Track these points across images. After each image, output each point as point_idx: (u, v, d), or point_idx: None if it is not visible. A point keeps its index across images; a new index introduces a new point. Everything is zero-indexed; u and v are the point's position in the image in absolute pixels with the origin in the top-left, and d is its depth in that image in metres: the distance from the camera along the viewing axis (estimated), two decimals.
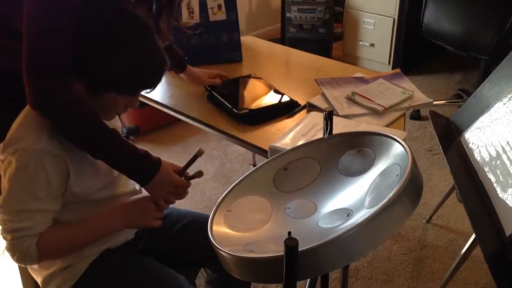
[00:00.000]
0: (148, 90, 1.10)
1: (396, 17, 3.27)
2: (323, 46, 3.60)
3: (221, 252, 0.79)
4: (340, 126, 1.38)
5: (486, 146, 1.36)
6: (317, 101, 1.60)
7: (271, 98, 1.62)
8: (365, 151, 0.98)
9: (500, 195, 1.20)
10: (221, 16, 1.92)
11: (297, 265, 0.69)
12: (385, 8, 3.30)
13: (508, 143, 1.28)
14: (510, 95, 1.39)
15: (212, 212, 0.93)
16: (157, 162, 1.12)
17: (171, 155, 2.68)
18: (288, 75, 1.91)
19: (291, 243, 0.67)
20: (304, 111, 1.58)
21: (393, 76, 1.75)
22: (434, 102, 2.85)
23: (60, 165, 1.02)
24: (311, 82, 1.74)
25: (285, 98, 1.61)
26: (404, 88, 1.65)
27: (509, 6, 2.38)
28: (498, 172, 1.25)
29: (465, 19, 2.57)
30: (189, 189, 1.19)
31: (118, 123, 1.30)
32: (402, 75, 1.77)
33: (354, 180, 0.95)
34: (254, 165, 2.60)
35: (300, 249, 0.68)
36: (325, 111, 1.01)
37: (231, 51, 1.98)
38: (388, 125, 1.48)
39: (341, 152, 1.01)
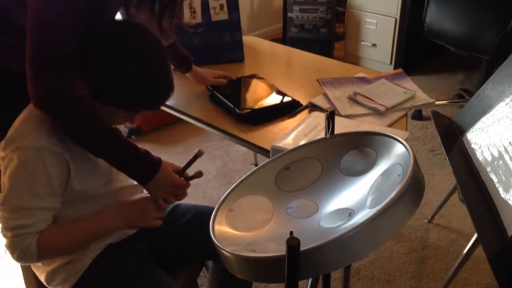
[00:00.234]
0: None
1: (398, 17, 3.26)
2: (324, 46, 3.60)
3: (223, 251, 0.79)
4: (342, 126, 1.38)
5: (488, 146, 1.36)
6: (319, 101, 1.60)
7: (273, 98, 1.62)
8: (367, 151, 0.98)
9: (503, 195, 1.19)
10: (223, 16, 1.92)
11: (299, 265, 0.69)
12: (387, 8, 3.30)
13: (510, 143, 1.28)
14: None
15: (214, 211, 0.93)
16: (157, 161, 1.12)
17: (173, 155, 2.68)
18: (289, 75, 1.91)
19: (293, 243, 0.67)
20: (306, 111, 1.58)
21: (395, 76, 1.75)
22: (436, 102, 2.83)
23: (61, 163, 1.03)
24: (312, 82, 1.74)
25: (287, 98, 1.61)
26: (406, 88, 1.65)
27: (511, 6, 2.38)
28: (500, 172, 1.25)
29: (467, 19, 2.56)
30: (191, 189, 1.20)
31: None
32: (404, 75, 1.77)
33: (356, 180, 0.95)
34: (256, 165, 2.60)
35: (302, 248, 0.68)
36: (327, 111, 1.01)
37: (233, 51, 1.98)
38: (390, 125, 1.48)
39: (343, 152, 1.01)
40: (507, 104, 1.38)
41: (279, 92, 1.65)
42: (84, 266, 1.13)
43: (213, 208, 0.93)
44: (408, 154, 0.84)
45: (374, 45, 3.48)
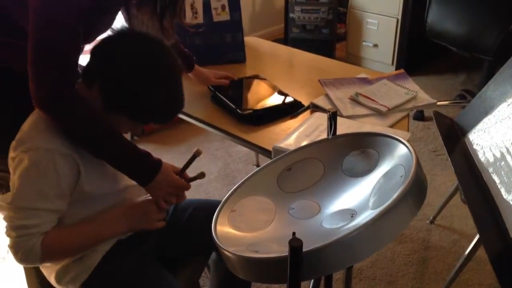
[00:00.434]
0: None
1: (399, 18, 3.26)
2: (326, 46, 3.60)
3: (225, 252, 0.79)
4: (344, 126, 1.38)
5: (490, 147, 1.36)
6: (321, 101, 1.60)
7: (275, 99, 1.62)
8: (369, 152, 0.98)
9: (505, 196, 1.19)
10: (224, 16, 1.92)
11: (302, 266, 0.69)
12: (388, 8, 3.30)
13: None
14: None
15: (216, 212, 0.93)
16: (158, 162, 1.12)
17: (175, 155, 2.68)
18: (291, 75, 1.91)
19: (295, 244, 0.68)
20: (307, 112, 1.58)
21: (396, 77, 1.75)
22: (438, 103, 2.83)
23: (71, 165, 1.03)
24: (314, 82, 1.74)
25: (289, 99, 1.61)
26: (407, 88, 1.65)
27: None
28: (503, 173, 1.25)
29: (469, 20, 2.56)
30: (192, 189, 1.20)
31: None
32: (405, 75, 1.77)
33: (358, 181, 0.95)
34: (258, 166, 2.60)
35: (304, 249, 0.68)
36: (329, 111, 1.01)
37: (235, 52, 1.98)
38: (392, 126, 1.48)
39: (345, 153, 1.01)
40: (509, 105, 1.38)
41: (281, 93, 1.65)
42: (93, 264, 1.13)
43: (211, 201, 0.93)
44: (410, 155, 0.84)
45: (375, 45, 3.48)
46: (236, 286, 1.37)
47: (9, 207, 1.01)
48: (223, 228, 0.90)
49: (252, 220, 0.94)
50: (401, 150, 0.90)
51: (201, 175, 1.20)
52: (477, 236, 1.55)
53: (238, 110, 1.54)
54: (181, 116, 1.66)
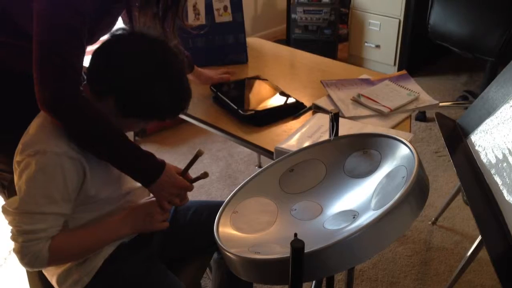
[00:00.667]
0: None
1: (401, 19, 3.26)
2: (328, 47, 3.60)
3: (227, 253, 0.79)
4: (346, 127, 1.38)
5: (492, 149, 1.36)
6: (323, 102, 1.60)
7: (277, 100, 1.62)
8: (371, 153, 0.98)
9: (507, 198, 1.19)
10: (227, 17, 1.92)
11: (304, 267, 0.69)
12: (390, 9, 3.29)
13: None
14: None
15: (218, 213, 0.93)
16: (161, 163, 1.12)
17: (177, 156, 2.68)
18: (293, 76, 1.91)
19: (297, 245, 0.68)
20: (309, 113, 1.58)
21: (399, 78, 1.75)
22: (440, 104, 2.84)
23: (77, 169, 1.03)
24: (316, 83, 1.74)
25: (291, 100, 1.61)
26: (410, 89, 1.65)
27: None
28: (505, 174, 1.25)
29: (471, 21, 2.56)
30: (194, 190, 1.20)
31: None
32: (408, 76, 1.77)
33: (360, 182, 0.95)
34: (260, 167, 2.60)
35: (306, 251, 0.68)
36: (331, 112, 1.01)
37: (237, 53, 1.98)
38: (394, 127, 1.48)
39: (347, 154, 1.01)
40: (511, 106, 1.38)
41: (283, 94, 1.65)
42: (96, 267, 1.13)
43: (213, 202, 0.93)
44: (412, 156, 0.84)
45: (377, 46, 3.48)
46: (238, 287, 1.37)
47: (16, 211, 1.00)
48: (225, 229, 0.90)
49: (254, 221, 0.94)
50: (403, 151, 0.90)
51: (204, 175, 1.19)
52: (479, 238, 1.55)
53: (240, 111, 1.54)
54: (183, 116, 1.66)
